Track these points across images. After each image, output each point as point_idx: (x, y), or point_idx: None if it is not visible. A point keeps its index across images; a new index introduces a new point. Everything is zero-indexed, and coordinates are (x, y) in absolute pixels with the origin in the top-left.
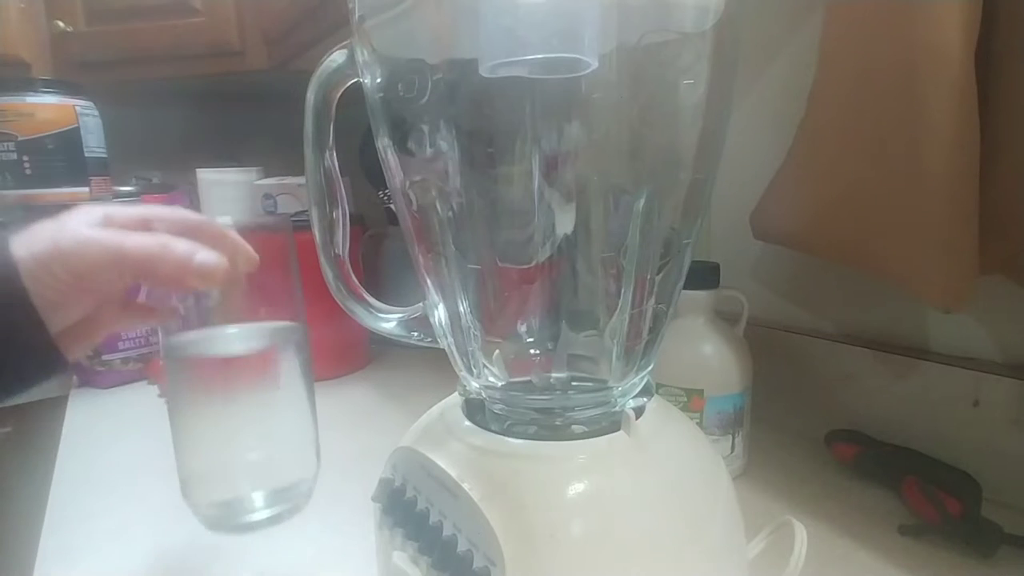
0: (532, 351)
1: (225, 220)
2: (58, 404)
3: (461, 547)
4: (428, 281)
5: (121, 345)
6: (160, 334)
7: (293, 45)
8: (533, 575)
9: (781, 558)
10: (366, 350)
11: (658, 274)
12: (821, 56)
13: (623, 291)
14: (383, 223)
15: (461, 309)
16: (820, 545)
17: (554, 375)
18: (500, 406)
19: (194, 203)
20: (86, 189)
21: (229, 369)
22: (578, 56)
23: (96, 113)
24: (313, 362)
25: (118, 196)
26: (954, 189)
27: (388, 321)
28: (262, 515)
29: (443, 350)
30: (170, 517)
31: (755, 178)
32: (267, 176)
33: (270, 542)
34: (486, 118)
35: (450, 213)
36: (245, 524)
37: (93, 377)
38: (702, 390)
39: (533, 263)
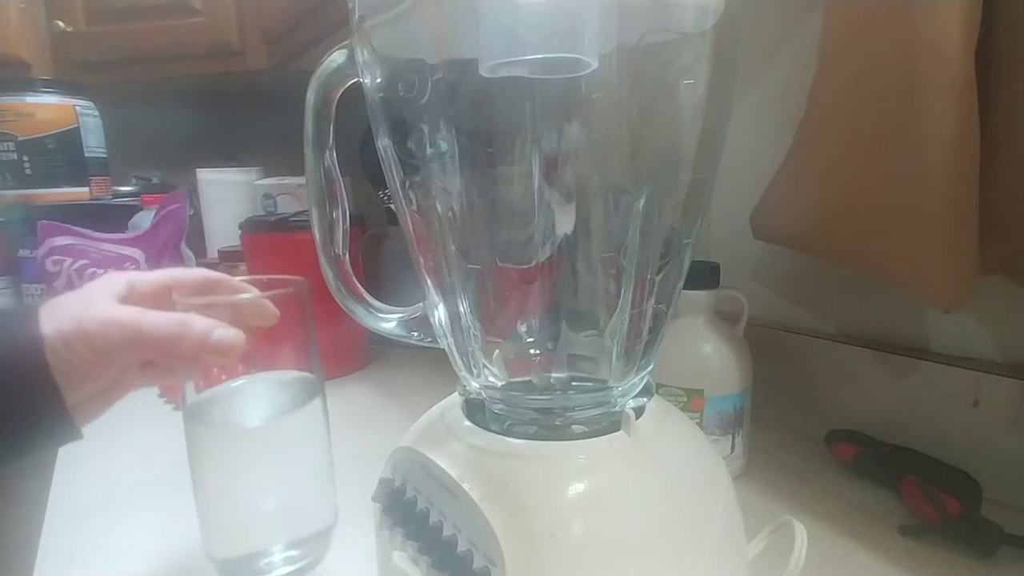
0: (532, 351)
1: (242, 278)
2: None
3: (461, 547)
4: (428, 281)
5: None
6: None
7: (293, 45)
8: (533, 575)
9: (781, 558)
10: (366, 350)
11: (658, 274)
12: (821, 56)
13: (623, 291)
14: (383, 223)
15: (461, 309)
16: (820, 545)
17: (554, 375)
18: (500, 406)
19: (194, 203)
20: (86, 189)
21: (252, 435)
22: (578, 56)
23: (96, 113)
24: None
25: (118, 196)
26: (954, 189)
27: (388, 321)
28: (282, 571)
29: (443, 350)
30: (170, 517)
31: (755, 178)
32: (267, 176)
33: None
34: (486, 118)
35: (450, 213)
36: None
37: None
38: (702, 390)
39: (533, 263)
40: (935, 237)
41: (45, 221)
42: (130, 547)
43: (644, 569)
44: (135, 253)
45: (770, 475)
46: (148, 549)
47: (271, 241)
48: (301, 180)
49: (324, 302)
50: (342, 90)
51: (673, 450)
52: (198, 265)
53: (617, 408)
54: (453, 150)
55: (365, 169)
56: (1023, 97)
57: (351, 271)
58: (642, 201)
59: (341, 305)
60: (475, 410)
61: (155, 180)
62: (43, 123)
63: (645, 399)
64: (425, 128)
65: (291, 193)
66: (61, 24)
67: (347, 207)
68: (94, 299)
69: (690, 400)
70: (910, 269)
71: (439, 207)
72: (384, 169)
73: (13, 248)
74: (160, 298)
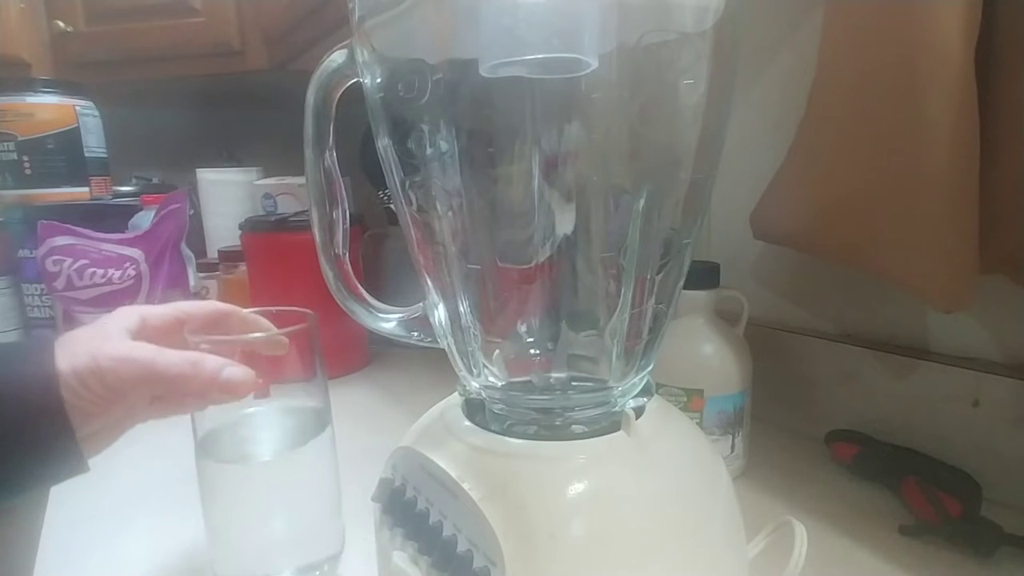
0: (532, 351)
1: (252, 310)
2: None
3: (461, 547)
4: (428, 281)
5: None
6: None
7: (293, 45)
8: (533, 575)
9: (781, 558)
10: (366, 350)
11: (658, 274)
12: (821, 56)
13: (623, 291)
14: (383, 223)
15: (461, 309)
16: (820, 545)
17: (554, 375)
18: (500, 406)
19: (194, 203)
20: (86, 189)
21: (262, 469)
22: (578, 56)
23: (96, 113)
24: None
25: (118, 196)
26: (954, 189)
27: (388, 321)
28: None
29: (443, 350)
30: (171, 517)
31: (755, 178)
32: (267, 176)
33: None
34: (486, 118)
35: (450, 213)
36: None
37: None
38: (702, 390)
39: (533, 263)
40: (935, 237)
41: (45, 221)
42: (131, 548)
43: (644, 569)
44: (135, 253)
45: (770, 475)
46: (149, 550)
47: (271, 241)
48: (301, 180)
49: (324, 302)
50: (342, 90)
51: (673, 450)
52: (198, 265)
53: (617, 408)
54: (453, 150)
55: (365, 169)
56: (1023, 97)
57: (351, 271)
58: (642, 201)
59: (341, 305)
60: (475, 410)
61: (155, 180)
62: (43, 123)
63: (645, 399)
64: (425, 128)
65: (291, 193)
66: (61, 24)
67: (347, 207)
68: (108, 335)
69: (690, 400)
70: (910, 269)
71: (439, 207)
72: (384, 169)
73: (13, 248)
74: (171, 332)
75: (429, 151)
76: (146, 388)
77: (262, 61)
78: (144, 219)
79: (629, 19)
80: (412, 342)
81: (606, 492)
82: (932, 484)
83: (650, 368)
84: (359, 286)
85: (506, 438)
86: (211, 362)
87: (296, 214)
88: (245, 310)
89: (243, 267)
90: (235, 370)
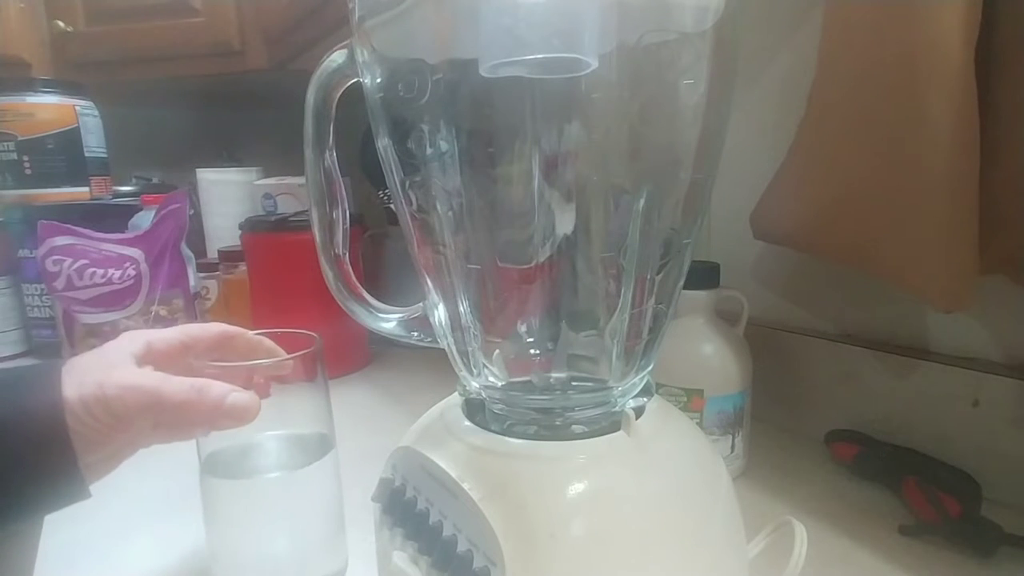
0: (532, 351)
1: (257, 332)
2: None
3: (461, 547)
4: (428, 281)
5: None
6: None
7: (293, 45)
8: (533, 575)
9: (781, 558)
10: (366, 350)
11: (658, 274)
12: (821, 56)
13: (623, 291)
14: (383, 223)
15: (461, 309)
16: (820, 545)
17: (554, 375)
18: (500, 406)
19: (194, 203)
20: (86, 189)
21: (266, 489)
22: (578, 56)
23: (96, 113)
24: None
25: (118, 196)
26: (954, 189)
27: (388, 321)
28: None
29: (443, 350)
30: (171, 518)
31: (755, 178)
32: (267, 176)
33: None
34: (486, 118)
35: (450, 213)
36: None
37: None
38: (702, 390)
39: (533, 263)
40: (935, 237)
41: (45, 221)
42: (131, 548)
43: (644, 569)
44: (135, 253)
45: (770, 475)
46: (149, 550)
47: (271, 241)
48: (301, 180)
49: (324, 302)
50: (342, 90)
51: (673, 450)
52: (198, 265)
53: (617, 408)
54: (453, 150)
55: (365, 169)
56: (1023, 97)
57: (351, 271)
58: (642, 201)
59: (341, 305)
60: (475, 410)
61: (155, 180)
62: (43, 123)
63: (645, 399)
64: (425, 128)
65: (291, 193)
66: (61, 24)
67: (347, 207)
68: (113, 362)
69: (690, 400)
70: (910, 269)
71: (439, 207)
72: (384, 169)
73: (13, 248)
74: (178, 356)
75: (429, 151)
76: (152, 415)
77: (262, 61)
78: (144, 219)
79: (629, 19)
80: (412, 342)
81: (606, 492)
82: (932, 484)
83: (650, 368)
84: (359, 286)
85: (506, 438)
86: (216, 389)
87: (296, 214)
88: (251, 332)
89: (243, 267)
90: (241, 396)
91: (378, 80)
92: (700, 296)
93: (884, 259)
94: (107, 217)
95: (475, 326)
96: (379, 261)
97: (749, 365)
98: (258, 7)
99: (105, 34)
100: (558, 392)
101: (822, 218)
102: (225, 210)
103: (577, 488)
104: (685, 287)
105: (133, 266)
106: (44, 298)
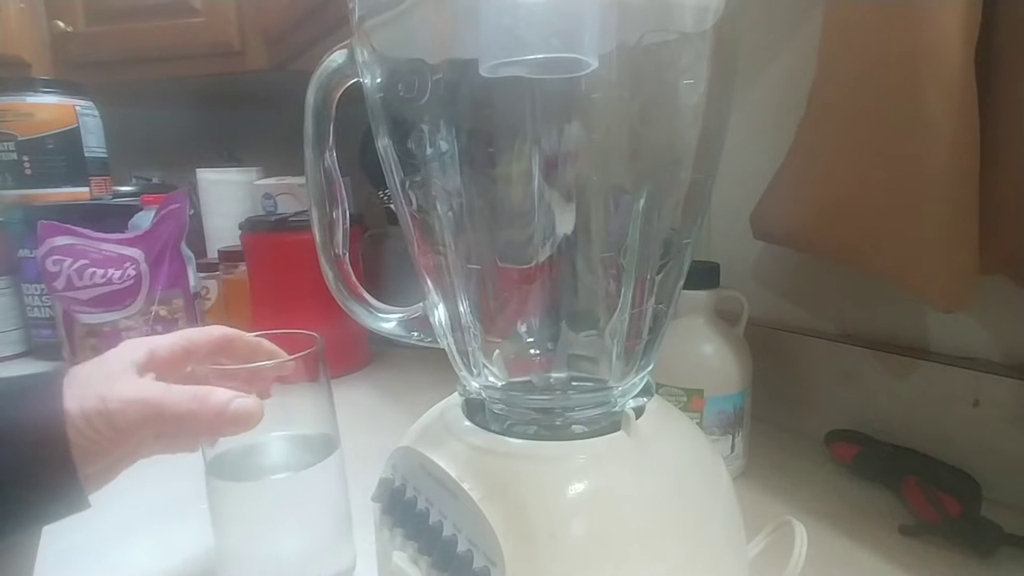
0: (532, 351)
1: (257, 333)
2: None
3: (461, 547)
4: (428, 281)
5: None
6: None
7: (293, 45)
8: (533, 575)
9: (781, 558)
10: (366, 350)
11: (658, 274)
12: (820, 56)
13: (623, 291)
14: (383, 223)
15: (461, 309)
16: (820, 545)
17: (554, 375)
18: (500, 406)
19: (194, 203)
20: (86, 189)
21: (272, 490)
22: (578, 56)
23: (96, 113)
24: None
25: (118, 196)
26: (954, 189)
27: (388, 321)
28: None
29: (443, 350)
30: (172, 520)
31: (755, 178)
32: (267, 176)
33: None
34: (486, 118)
35: (450, 213)
36: None
37: None
38: (702, 390)
39: (533, 263)
40: (935, 237)
41: (45, 221)
42: (131, 550)
43: (644, 569)
44: (135, 253)
45: (770, 475)
46: (149, 552)
47: (271, 241)
48: (301, 180)
49: (324, 302)
50: (342, 90)
51: (673, 450)
52: (198, 265)
53: (617, 408)
54: (453, 150)
55: (365, 169)
56: (1023, 97)
57: (351, 271)
58: (642, 201)
59: (341, 305)
60: (475, 410)
61: (155, 180)
62: (43, 123)
63: (645, 399)
64: (425, 128)
65: (291, 193)
66: (61, 24)
67: (347, 207)
68: (115, 374)
69: (690, 400)
70: (910, 269)
71: (439, 207)
72: (384, 169)
73: (13, 248)
74: (179, 362)
75: (429, 151)
76: (154, 427)
77: (262, 61)
78: (144, 219)
79: (629, 19)
80: (412, 342)
81: (606, 492)
82: (932, 484)
83: (650, 368)
84: (359, 286)
85: (506, 438)
86: (218, 396)
87: (296, 214)
88: (250, 334)
89: (243, 267)
90: (244, 401)
91: (378, 80)
92: (700, 296)
93: (884, 259)
94: (107, 217)
95: (475, 326)
96: (379, 261)
97: (749, 365)
98: (258, 7)
99: (105, 34)
100: (558, 392)
101: (822, 218)
102: (225, 210)
103: (577, 488)
104: (685, 287)
105: (133, 266)
106: (44, 298)
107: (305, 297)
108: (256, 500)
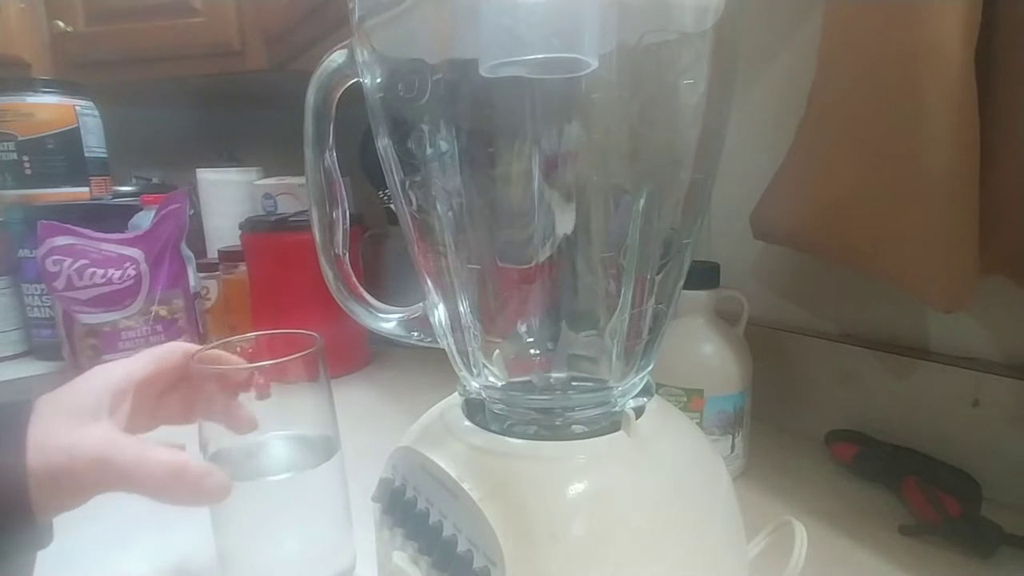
0: (532, 351)
1: (257, 333)
2: None
3: (461, 547)
4: (428, 281)
5: (121, 346)
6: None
7: (293, 45)
8: (533, 575)
9: (781, 558)
10: (366, 350)
11: (658, 274)
12: (820, 56)
13: (623, 291)
14: (383, 223)
15: (461, 309)
16: (820, 545)
17: (554, 375)
18: (500, 406)
19: (194, 203)
20: (86, 189)
21: (272, 490)
22: (578, 56)
23: (96, 113)
24: None
25: (118, 196)
26: (954, 189)
27: (388, 321)
28: None
29: (443, 350)
30: (172, 520)
31: (755, 178)
32: (267, 176)
33: None
34: (486, 118)
35: (450, 213)
36: None
37: None
38: (702, 390)
39: (533, 263)
40: (935, 237)
41: (45, 221)
42: (131, 552)
43: (644, 569)
44: (135, 253)
45: (770, 475)
46: (149, 554)
47: (271, 241)
48: (301, 180)
49: (324, 302)
50: (342, 90)
51: (673, 450)
52: (198, 265)
53: (617, 408)
54: (453, 150)
55: (365, 169)
56: (1023, 97)
57: (351, 271)
58: (642, 201)
59: (341, 305)
60: (475, 410)
61: (155, 180)
62: (43, 123)
63: (645, 399)
64: (425, 128)
65: (291, 193)
66: (61, 24)
67: (347, 207)
68: (88, 409)
69: (690, 400)
70: (910, 269)
71: (439, 207)
72: (384, 169)
73: (13, 248)
74: (152, 383)
75: (429, 151)
76: (121, 490)
77: (262, 61)
78: (144, 219)
79: (629, 19)
80: (412, 342)
81: (606, 492)
82: (932, 484)
83: (650, 368)
84: (359, 286)
85: (506, 438)
86: (193, 471)
87: (296, 214)
88: (210, 346)
89: (243, 267)
90: (217, 478)
91: (378, 80)
92: (700, 296)
93: (884, 259)
94: (107, 217)
95: (475, 326)
96: (379, 261)
97: (749, 365)
98: (258, 7)
99: (105, 34)
100: (558, 392)
101: (822, 218)
102: (225, 210)
103: (577, 488)
104: (685, 287)
105: (133, 266)
106: (44, 298)
107: (305, 297)
108: (256, 500)
